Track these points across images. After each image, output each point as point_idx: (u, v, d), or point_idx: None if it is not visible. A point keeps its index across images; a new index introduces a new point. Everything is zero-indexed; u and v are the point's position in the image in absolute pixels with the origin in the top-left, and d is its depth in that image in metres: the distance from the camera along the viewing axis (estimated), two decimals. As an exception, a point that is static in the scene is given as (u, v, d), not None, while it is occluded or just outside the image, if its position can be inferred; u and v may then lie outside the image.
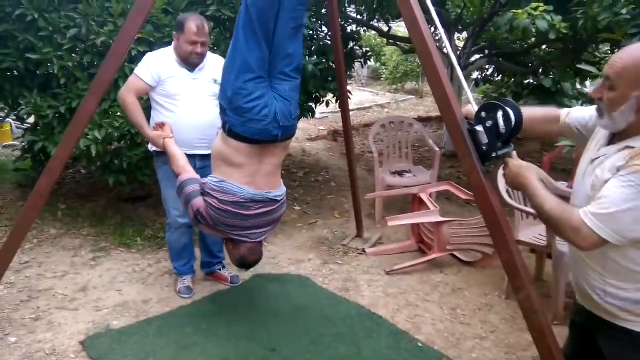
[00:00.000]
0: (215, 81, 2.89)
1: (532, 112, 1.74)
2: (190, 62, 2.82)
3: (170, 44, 3.11)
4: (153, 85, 2.79)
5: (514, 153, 1.67)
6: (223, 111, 2.30)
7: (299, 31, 2.26)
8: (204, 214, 2.36)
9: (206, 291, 3.22)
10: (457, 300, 3.18)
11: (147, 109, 3.06)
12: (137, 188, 4.54)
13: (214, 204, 2.33)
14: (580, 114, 1.66)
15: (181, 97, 2.83)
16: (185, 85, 2.83)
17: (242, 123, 2.23)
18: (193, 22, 2.74)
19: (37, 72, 3.65)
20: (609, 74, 1.37)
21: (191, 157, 2.83)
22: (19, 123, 6.41)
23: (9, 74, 3.84)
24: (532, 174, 1.56)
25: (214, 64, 2.92)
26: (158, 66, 2.79)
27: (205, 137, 2.86)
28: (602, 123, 1.44)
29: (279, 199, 2.45)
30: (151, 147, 3.01)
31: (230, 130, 2.26)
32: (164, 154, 2.73)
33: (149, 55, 2.88)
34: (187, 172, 2.50)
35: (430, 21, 2.06)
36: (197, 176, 2.49)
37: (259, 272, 3.43)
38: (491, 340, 2.78)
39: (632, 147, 1.35)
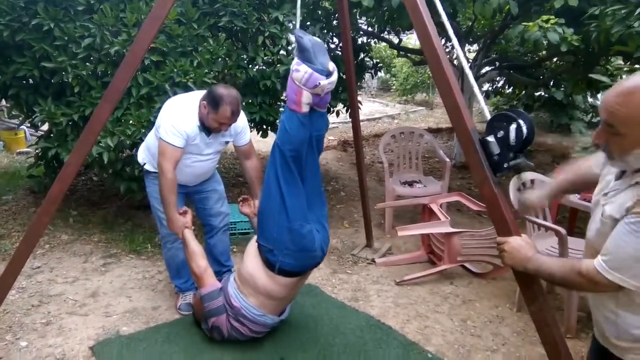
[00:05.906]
0: (227, 143, 2.93)
1: (569, 179, 1.79)
2: (211, 131, 2.75)
3: (182, 55, 3.11)
4: (185, 146, 2.69)
5: (527, 161, 1.67)
6: (269, 252, 2.35)
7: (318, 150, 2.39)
8: (222, 331, 2.51)
9: (215, 299, 3.21)
10: (467, 312, 3.15)
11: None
12: (147, 195, 4.55)
13: (242, 330, 2.48)
14: (598, 160, 1.59)
15: (191, 154, 2.79)
16: (199, 147, 2.78)
17: (294, 260, 2.33)
18: (229, 107, 2.56)
19: (52, 81, 3.69)
20: (612, 122, 1.29)
21: (182, 186, 2.87)
22: (32, 130, 6.53)
23: (24, 82, 3.90)
24: (530, 250, 1.56)
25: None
26: (186, 131, 2.65)
27: (200, 179, 3.01)
28: (615, 164, 1.39)
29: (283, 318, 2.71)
30: (142, 160, 2.93)
31: (281, 270, 2.35)
32: (156, 173, 2.76)
33: (173, 119, 2.64)
34: (208, 275, 2.58)
35: (441, 33, 2.07)
36: (218, 284, 2.57)
37: (268, 281, 3.43)
38: (502, 353, 2.74)
39: None
